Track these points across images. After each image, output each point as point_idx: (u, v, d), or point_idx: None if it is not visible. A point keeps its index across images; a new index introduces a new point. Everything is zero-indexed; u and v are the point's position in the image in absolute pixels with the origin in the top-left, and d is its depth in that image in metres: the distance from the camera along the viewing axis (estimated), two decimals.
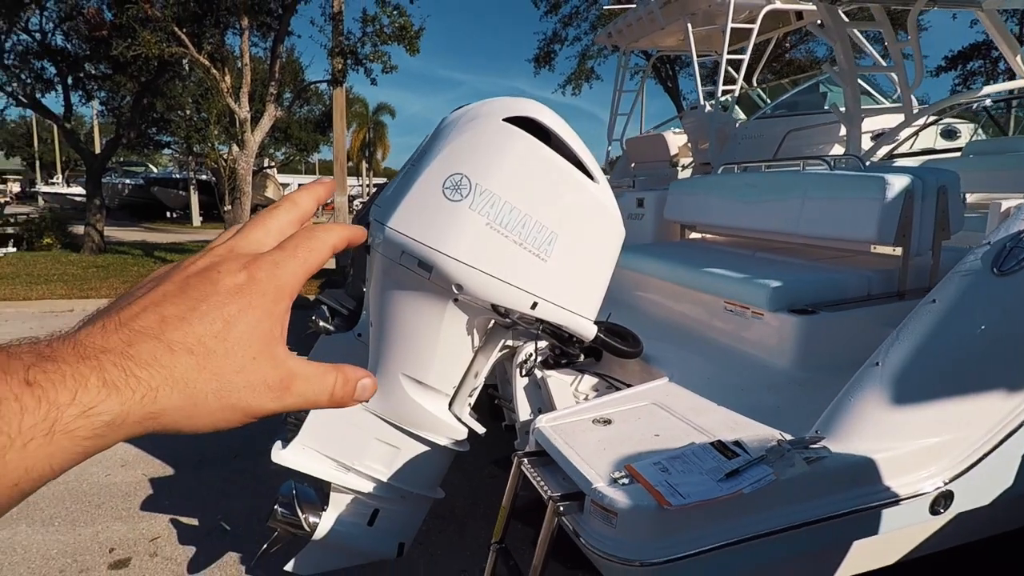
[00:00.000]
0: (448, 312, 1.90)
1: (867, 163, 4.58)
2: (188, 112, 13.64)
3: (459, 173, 1.79)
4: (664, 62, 12.32)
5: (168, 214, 28.33)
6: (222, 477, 3.30)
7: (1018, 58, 4.79)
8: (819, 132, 5.25)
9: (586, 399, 2.10)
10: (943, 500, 1.55)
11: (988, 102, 5.19)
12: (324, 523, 2.09)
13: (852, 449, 1.46)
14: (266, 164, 24.40)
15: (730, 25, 5.12)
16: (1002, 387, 1.54)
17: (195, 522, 2.86)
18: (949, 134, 5.99)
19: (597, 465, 1.47)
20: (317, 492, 2.15)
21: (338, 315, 5.02)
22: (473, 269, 1.78)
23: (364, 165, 36.21)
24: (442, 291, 1.84)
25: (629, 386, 2.08)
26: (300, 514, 2.07)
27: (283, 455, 2.04)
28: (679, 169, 6.00)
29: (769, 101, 6.56)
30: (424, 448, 2.10)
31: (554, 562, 2.42)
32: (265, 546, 2.16)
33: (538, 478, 1.56)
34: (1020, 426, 1.54)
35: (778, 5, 5.24)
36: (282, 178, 41.54)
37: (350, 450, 2.07)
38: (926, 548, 1.72)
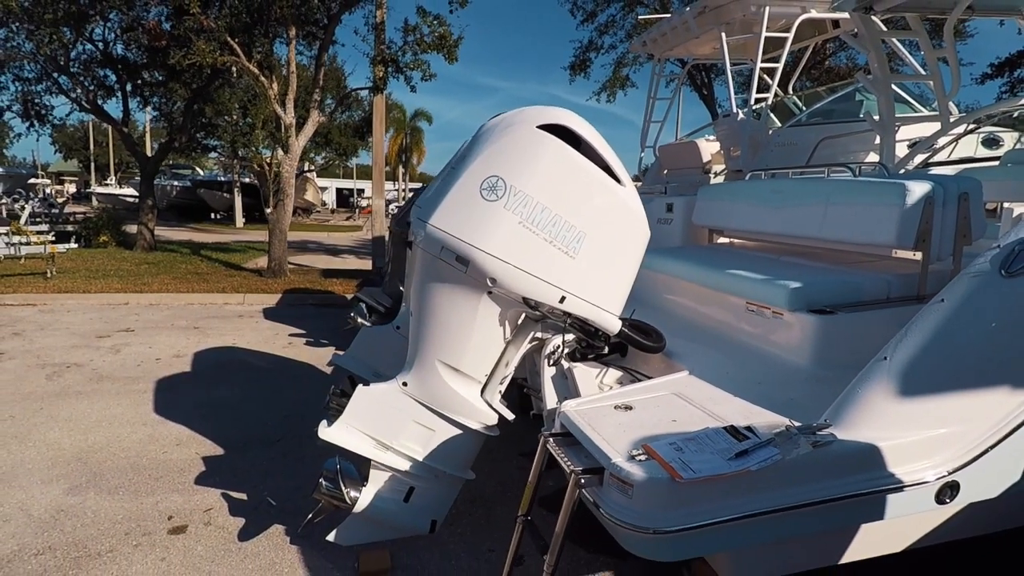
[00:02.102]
0: (483, 304, 2.07)
1: (902, 171, 4.58)
2: (234, 117, 14.20)
3: (495, 175, 1.95)
4: (699, 69, 12.31)
5: (213, 215, 29.40)
6: (267, 458, 3.52)
7: None
8: (854, 140, 5.24)
9: (610, 389, 2.23)
10: (949, 490, 1.62)
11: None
12: (364, 497, 2.26)
13: (858, 437, 1.56)
14: (306, 168, 25.11)
15: (764, 34, 5.16)
16: (1007, 383, 1.62)
17: (244, 497, 3.08)
18: (991, 142, 5.88)
19: (617, 444, 1.60)
20: (358, 469, 2.33)
21: (375, 312, 5.24)
22: (506, 264, 1.93)
23: (400, 170, 36.89)
24: (478, 284, 2.00)
25: (651, 379, 2.19)
26: (343, 488, 2.24)
27: (329, 432, 2.23)
28: (711, 176, 6.04)
29: (805, 108, 6.54)
30: (457, 431, 2.26)
31: (578, 547, 2.55)
32: (310, 516, 2.35)
33: (562, 455, 1.70)
34: (1022, 424, 1.60)
35: (813, 14, 5.26)
36: (321, 181, 42.66)
37: (389, 430, 2.25)
38: (936, 537, 1.80)
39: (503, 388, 2.30)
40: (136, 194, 28.55)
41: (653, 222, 4.18)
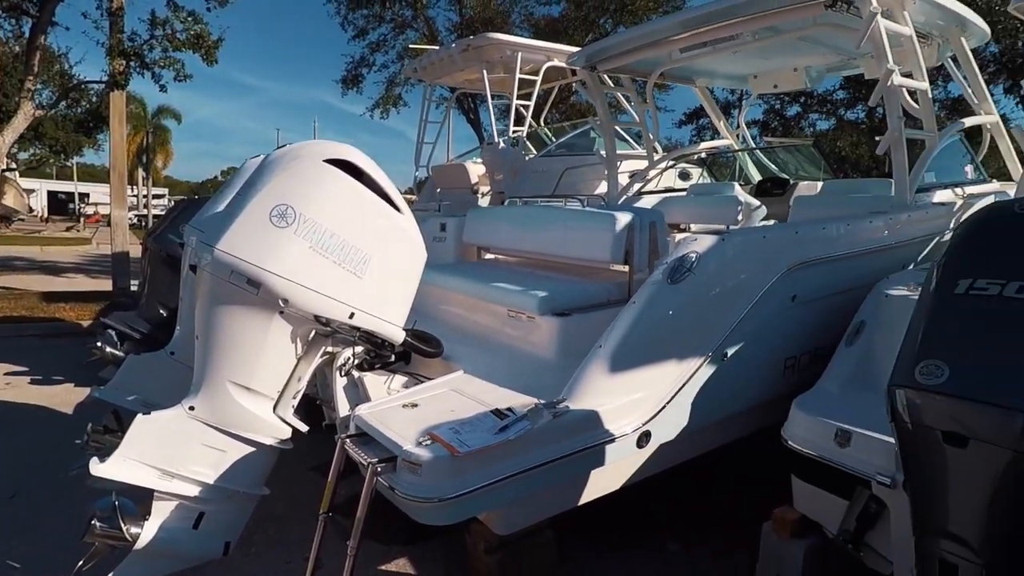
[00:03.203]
0: (274, 323, 2.19)
1: (623, 199, 5.72)
2: None
3: (285, 204, 2.11)
4: (467, 96, 13.31)
5: None
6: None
7: (721, 123, 6.38)
8: (590, 171, 6.35)
9: (397, 393, 2.52)
10: (644, 437, 2.27)
11: (704, 154, 6.78)
12: (147, 532, 2.19)
13: (584, 406, 2.11)
14: (5, 166, 20.36)
15: (518, 75, 6.00)
16: (675, 358, 2.33)
17: None
18: (684, 176, 7.54)
19: (406, 435, 1.91)
20: (138, 503, 2.23)
21: (129, 339, 4.73)
22: (298, 285, 2.11)
23: (141, 173, 31.99)
24: (269, 305, 2.13)
25: (432, 380, 2.54)
26: (122, 525, 2.14)
27: (103, 468, 2.11)
28: (479, 196, 6.72)
29: (554, 140, 7.65)
30: (250, 449, 2.33)
31: (372, 541, 2.78)
32: (80, 564, 2.18)
33: (359, 452, 1.94)
34: (685, 384, 2.33)
35: (556, 63, 6.26)
36: (26, 183, 34.80)
37: (175, 457, 2.22)
38: (642, 473, 2.45)
39: (296, 402, 2.43)
40: None
41: (428, 240, 4.56)
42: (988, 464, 1.23)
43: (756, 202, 4.89)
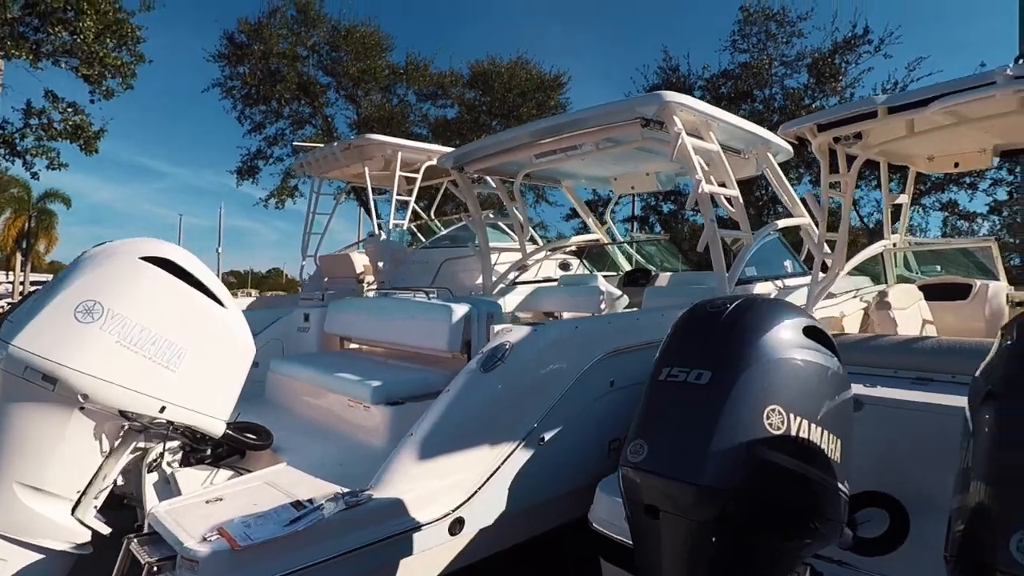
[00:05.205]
0: (73, 420, 2.15)
1: (498, 287, 6.02)
2: None
3: (92, 299, 2.15)
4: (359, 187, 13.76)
5: None
6: None
7: (590, 220, 6.97)
8: (468, 262, 6.67)
9: (208, 488, 2.47)
10: (457, 524, 2.34)
11: (574, 248, 7.32)
12: None
13: (389, 493, 2.18)
14: None
15: (399, 173, 6.36)
16: (488, 442, 2.47)
17: None
18: (564, 266, 8.03)
19: (194, 531, 1.89)
20: None
21: None
22: (99, 380, 2.11)
23: (19, 258, 29.57)
24: (67, 401, 2.10)
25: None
26: None
27: None
28: (364, 285, 6.83)
29: (441, 232, 8.00)
30: (39, 556, 2.19)
31: None
32: None
33: (144, 551, 1.90)
34: (499, 468, 2.46)
35: (434, 162, 6.70)
36: None
37: None
38: (460, 562, 2.50)
39: (99, 503, 2.33)
40: None
41: (294, 330, 4.60)
42: (675, 532, 1.42)
43: (618, 292, 5.32)
